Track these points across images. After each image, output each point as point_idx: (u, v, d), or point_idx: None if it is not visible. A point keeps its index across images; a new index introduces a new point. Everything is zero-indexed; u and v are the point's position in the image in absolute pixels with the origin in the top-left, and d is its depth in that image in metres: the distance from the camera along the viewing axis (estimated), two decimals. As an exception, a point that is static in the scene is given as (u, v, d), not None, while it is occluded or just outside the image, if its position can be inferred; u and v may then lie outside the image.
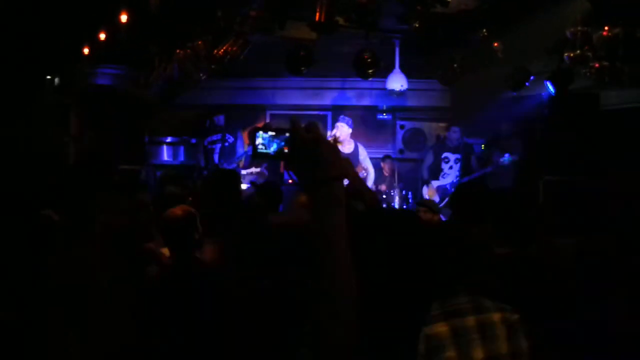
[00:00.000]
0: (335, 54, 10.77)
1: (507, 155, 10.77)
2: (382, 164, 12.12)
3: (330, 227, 1.79)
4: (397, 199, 10.97)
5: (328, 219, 1.79)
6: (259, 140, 1.87)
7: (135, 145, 12.52)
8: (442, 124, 12.83)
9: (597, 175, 9.09)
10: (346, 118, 11.29)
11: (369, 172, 11.24)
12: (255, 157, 1.90)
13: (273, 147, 1.86)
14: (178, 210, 4.38)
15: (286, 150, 1.85)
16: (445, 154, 11.50)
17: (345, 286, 1.76)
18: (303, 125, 1.84)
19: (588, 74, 8.73)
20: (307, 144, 1.81)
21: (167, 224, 4.34)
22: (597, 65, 8.50)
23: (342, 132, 11.03)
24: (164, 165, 12.44)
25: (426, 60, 10.82)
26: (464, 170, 11.36)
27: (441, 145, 11.78)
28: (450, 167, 11.44)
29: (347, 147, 11.03)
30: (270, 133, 1.87)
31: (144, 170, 12.25)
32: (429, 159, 11.64)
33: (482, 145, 12.13)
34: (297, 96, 13.23)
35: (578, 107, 10.33)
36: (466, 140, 11.63)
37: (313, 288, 1.77)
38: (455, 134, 11.50)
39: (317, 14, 7.48)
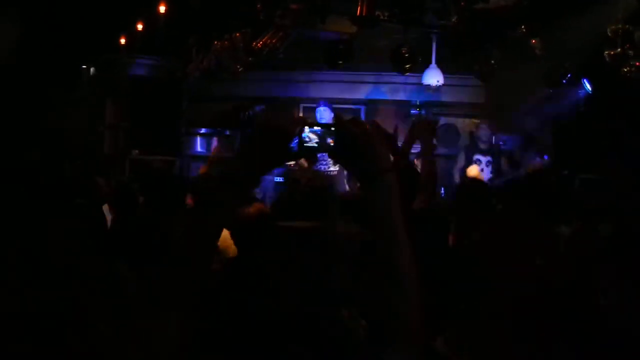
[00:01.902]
0: (371, 48, 10.76)
1: (537, 158, 10.69)
2: (415, 161, 12.07)
3: (390, 217, 1.82)
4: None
5: (387, 209, 1.82)
6: (304, 134, 1.90)
7: (170, 136, 12.58)
8: (475, 121, 12.78)
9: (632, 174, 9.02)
10: (325, 107, 11.31)
11: None
12: (301, 151, 1.93)
13: (319, 141, 1.89)
14: (252, 209, 4.26)
15: (332, 144, 1.88)
16: (476, 156, 11.41)
17: (411, 275, 1.80)
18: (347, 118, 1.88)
19: (628, 72, 8.64)
20: (355, 138, 1.84)
21: (240, 222, 4.22)
22: (637, 63, 8.43)
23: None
24: (198, 157, 12.45)
25: (463, 56, 10.77)
26: (496, 173, 11.26)
27: (472, 146, 11.70)
28: (482, 170, 11.34)
29: None
30: (315, 128, 1.90)
31: (178, 161, 12.33)
32: (461, 161, 11.53)
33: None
34: (331, 89, 13.18)
35: (615, 106, 10.26)
36: (500, 141, 11.54)
37: (380, 279, 1.81)
38: (484, 131, 11.42)
39: (359, 8, 7.50)
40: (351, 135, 1.84)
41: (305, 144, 1.89)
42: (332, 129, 1.88)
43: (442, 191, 11.36)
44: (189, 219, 1.82)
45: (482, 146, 11.36)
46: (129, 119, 12.54)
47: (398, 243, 1.81)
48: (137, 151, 11.99)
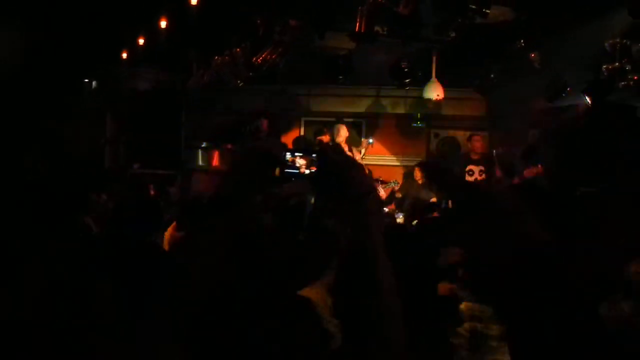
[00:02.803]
0: (371, 63, 10.80)
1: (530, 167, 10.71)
2: (415, 172, 12.12)
3: (371, 238, 1.87)
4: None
5: (367, 230, 1.87)
6: (286, 159, 1.95)
7: (170, 149, 12.60)
8: (476, 133, 12.85)
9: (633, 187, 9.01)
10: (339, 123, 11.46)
11: None
12: (282, 177, 1.99)
13: (300, 167, 1.94)
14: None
15: (313, 170, 1.93)
16: (469, 167, 11.49)
17: (391, 293, 1.85)
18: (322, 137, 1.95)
19: (626, 86, 8.67)
20: (336, 164, 1.90)
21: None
22: (635, 77, 8.45)
23: (343, 135, 11.18)
24: (199, 170, 12.46)
25: (463, 70, 10.81)
26: (488, 182, 11.30)
27: (465, 157, 11.77)
28: (475, 180, 11.40)
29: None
30: (297, 154, 1.95)
31: (179, 175, 12.35)
32: (457, 171, 11.58)
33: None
34: (332, 104, 13.25)
35: (615, 119, 10.27)
36: (492, 151, 11.59)
37: (363, 298, 1.86)
38: (478, 143, 11.50)
39: (357, 25, 7.52)
40: (332, 162, 1.89)
41: (286, 170, 1.94)
42: (314, 155, 1.93)
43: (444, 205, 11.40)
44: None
45: (474, 157, 11.43)
46: (129, 133, 12.57)
47: (378, 261, 1.87)
48: (137, 165, 12.01)
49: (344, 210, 1.92)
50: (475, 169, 11.40)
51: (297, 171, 1.95)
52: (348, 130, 11.54)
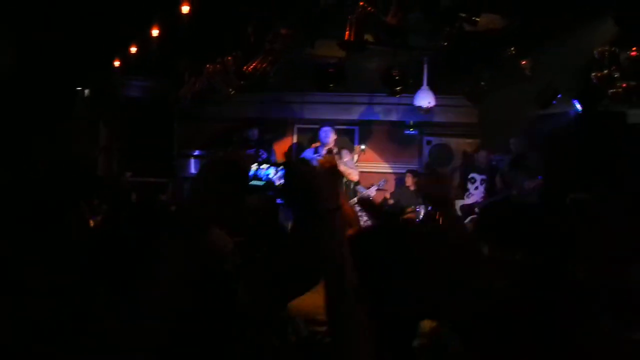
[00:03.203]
0: (364, 70, 10.83)
1: (526, 181, 10.74)
2: (405, 178, 12.15)
3: (336, 252, 1.85)
4: (422, 215, 10.98)
5: (332, 245, 1.86)
6: (253, 172, 1.95)
7: (163, 158, 12.60)
8: (468, 140, 12.87)
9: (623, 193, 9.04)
10: (328, 127, 11.47)
11: (351, 176, 11.35)
12: (247, 189, 1.98)
13: (267, 179, 1.94)
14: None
15: (280, 183, 1.92)
16: (472, 174, 11.55)
17: (353, 319, 1.85)
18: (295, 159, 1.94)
19: (615, 94, 8.69)
20: (303, 178, 1.88)
21: None
22: (624, 85, 8.48)
23: (332, 140, 11.24)
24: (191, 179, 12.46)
25: (454, 78, 10.84)
26: (489, 191, 11.36)
27: (469, 165, 11.83)
28: (476, 188, 11.46)
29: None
30: (264, 166, 1.95)
31: (171, 183, 12.34)
32: (456, 179, 11.66)
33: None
34: (325, 111, 13.26)
35: (605, 125, 10.29)
36: (494, 161, 11.63)
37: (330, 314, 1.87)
38: (482, 155, 11.59)
39: (347, 33, 7.53)
40: (299, 176, 1.88)
41: (251, 183, 1.94)
42: (281, 167, 1.93)
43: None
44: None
45: (478, 165, 11.50)
46: (122, 141, 12.58)
47: (343, 274, 1.84)
48: (130, 173, 12.00)
49: (311, 225, 1.90)
50: (478, 177, 11.46)
51: (263, 184, 1.95)
52: (338, 135, 11.62)
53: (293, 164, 1.90)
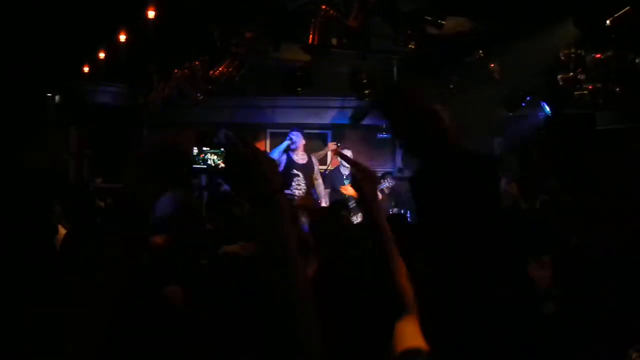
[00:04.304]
0: (335, 74, 10.78)
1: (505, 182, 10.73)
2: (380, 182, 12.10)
3: (283, 237, 1.81)
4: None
5: (279, 230, 1.81)
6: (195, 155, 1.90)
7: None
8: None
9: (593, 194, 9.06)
10: (297, 131, 11.35)
11: (319, 184, 11.21)
12: (189, 172, 1.94)
13: (208, 162, 1.89)
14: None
15: (222, 165, 1.87)
16: None
17: (303, 302, 1.78)
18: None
19: (581, 96, 8.72)
20: (245, 159, 1.82)
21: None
22: (590, 87, 8.51)
23: (301, 144, 11.11)
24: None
25: (424, 81, 10.83)
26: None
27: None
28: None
29: (302, 158, 10.95)
30: (204, 148, 1.90)
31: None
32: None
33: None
34: (297, 115, 13.23)
35: (575, 127, 10.33)
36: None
37: (268, 306, 1.80)
38: None
39: (311, 37, 7.51)
40: (241, 157, 1.82)
41: (194, 166, 1.89)
42: (222, 150, 1.87)
43: (409, 214, 11.40)
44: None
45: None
46: (92, 147, 12.51)
47: (292, 262, 1.79)
48: (100, 179, 11.94)
49: (255, 207, 1.84)
50: None
51: (206, 166, 1.89)
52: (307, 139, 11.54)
53: (233, 144, 1.82)
